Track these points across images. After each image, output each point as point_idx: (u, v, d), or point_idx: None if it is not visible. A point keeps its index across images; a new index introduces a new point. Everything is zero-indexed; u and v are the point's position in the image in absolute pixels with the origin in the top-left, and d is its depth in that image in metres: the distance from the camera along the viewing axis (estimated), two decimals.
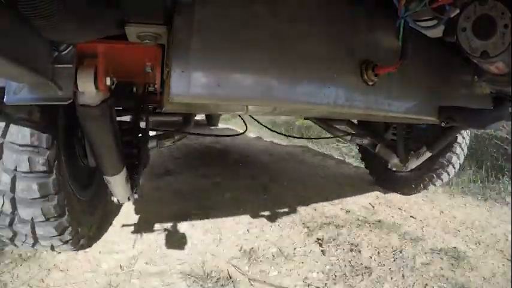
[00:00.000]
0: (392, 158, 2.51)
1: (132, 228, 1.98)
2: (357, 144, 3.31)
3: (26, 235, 1.36)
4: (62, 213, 1.35)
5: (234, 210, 2.35)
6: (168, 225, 2.03)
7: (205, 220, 2.15)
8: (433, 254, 1.84)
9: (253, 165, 3.75)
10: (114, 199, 1.53)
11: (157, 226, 2.01)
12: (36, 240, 1.40)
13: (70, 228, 1.43)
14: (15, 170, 1.21)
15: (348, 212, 2.43)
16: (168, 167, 3.41)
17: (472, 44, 0.90)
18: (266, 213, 2.32)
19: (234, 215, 2.27)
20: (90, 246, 1.74)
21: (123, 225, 2.00)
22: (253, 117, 2.72)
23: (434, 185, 2.73)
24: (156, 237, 1.88)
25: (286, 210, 2.39)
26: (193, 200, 2.51)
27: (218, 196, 2.62)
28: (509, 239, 2.16)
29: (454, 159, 2.55)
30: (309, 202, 2.54)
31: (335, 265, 1.69)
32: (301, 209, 2.41)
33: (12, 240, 1.39)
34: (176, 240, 1.86)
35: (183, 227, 2.03)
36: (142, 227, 2.00)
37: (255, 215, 2.28)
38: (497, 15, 0.84)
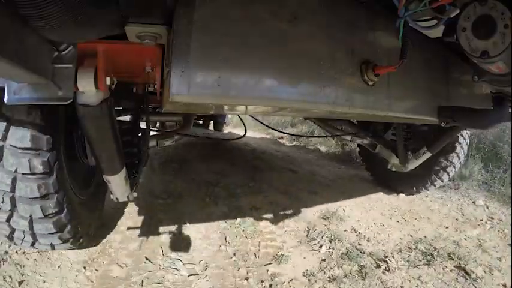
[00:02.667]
0: (392, 158, 2.51)
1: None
2: (357, 145, 3.31)
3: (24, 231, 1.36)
4: (60, 210, 1.36)
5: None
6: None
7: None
8: None
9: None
10: (113, 197, 1.53)
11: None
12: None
13: (69, 227, 1.43)
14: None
15: None
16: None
17: (472, 44, 0.90)
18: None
19: None
20: (91, 245, 1.75)
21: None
22: (254, 117, 2.73)
23: (434, 185, 2.72)
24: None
25: None
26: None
27: None
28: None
29: (455, 159, 2.55)
30: None
31: None
32: None
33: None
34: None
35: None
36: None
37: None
38: (497, 15, 0.84)
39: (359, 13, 1.10)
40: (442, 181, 2.67)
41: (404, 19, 0.91)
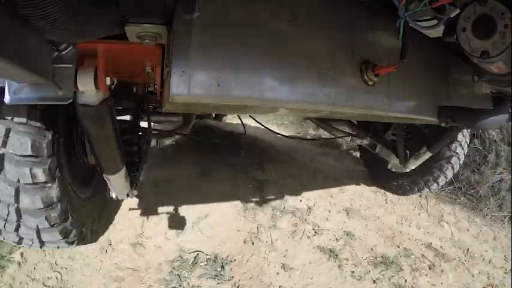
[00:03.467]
0: (392, 159, 2.51)
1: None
2: (357, 145, 3.31)
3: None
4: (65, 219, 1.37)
5: None
6: None
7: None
8: None
9: None
10: (113, 195, 1.54)
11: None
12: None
13: (75, 231, 1.44)
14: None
15: None
16: None
17: (472, 44, 0.90)
18: None
19: None
20: (94, 241, 1.75)
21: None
22: (252, 117, 2.72)
23: (429, 188, 2.70)
24: None
25: None
26: None
27: None
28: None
29: (453, 161, 2.54)
30: None
31: None
32: None
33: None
34: None
35: None
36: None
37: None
38: (497, 15, 0.84)
39: (359, 13, 1.10)
40: (438, 184, 2.64)
41: (404, 19, 0.91)
